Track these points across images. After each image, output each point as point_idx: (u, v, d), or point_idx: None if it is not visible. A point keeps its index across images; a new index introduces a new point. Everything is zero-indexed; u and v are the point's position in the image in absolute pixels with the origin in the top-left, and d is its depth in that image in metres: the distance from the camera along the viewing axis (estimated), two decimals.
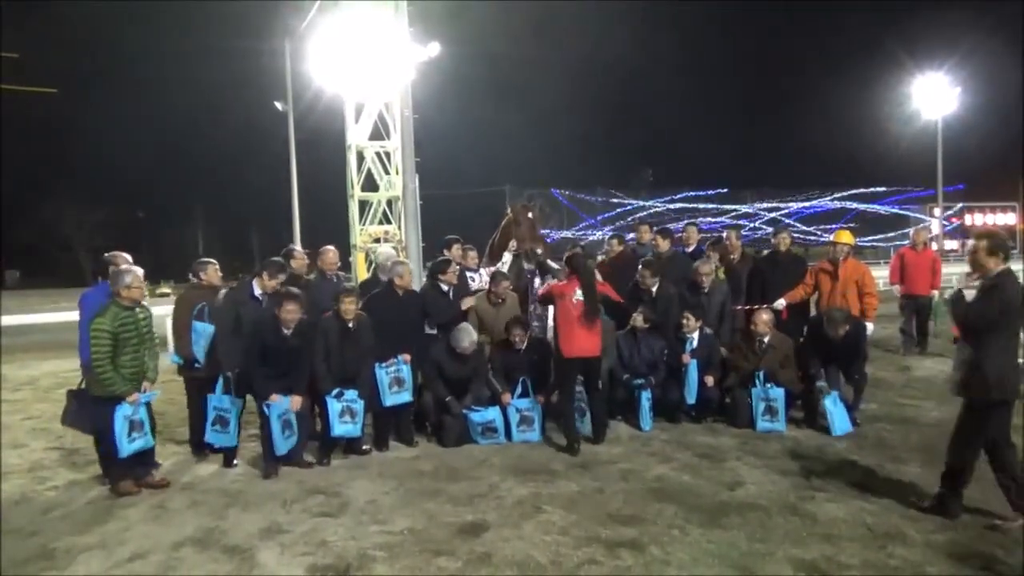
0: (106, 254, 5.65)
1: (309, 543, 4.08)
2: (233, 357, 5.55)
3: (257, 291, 5.78)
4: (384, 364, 5.89)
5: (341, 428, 5.61)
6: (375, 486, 5.02)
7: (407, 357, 5.97)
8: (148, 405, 5.18)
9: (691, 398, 6.34)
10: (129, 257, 5.57)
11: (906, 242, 10.08)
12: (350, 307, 5.74)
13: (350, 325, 5.75)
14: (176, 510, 4.68)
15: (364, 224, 21.26)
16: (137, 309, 5.13)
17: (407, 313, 6.19)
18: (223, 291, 5.96)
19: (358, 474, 5.30)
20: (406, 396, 5.97)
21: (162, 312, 7.65)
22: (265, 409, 5.35)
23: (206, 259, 6.34)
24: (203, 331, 5.70)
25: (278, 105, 24.93)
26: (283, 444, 5.38)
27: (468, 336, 5.98)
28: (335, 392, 5.63)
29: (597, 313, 5.85)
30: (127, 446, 4.95)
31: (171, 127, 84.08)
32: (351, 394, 5.67)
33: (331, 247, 6.92)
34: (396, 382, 5.91)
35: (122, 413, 4.94)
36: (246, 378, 5.53)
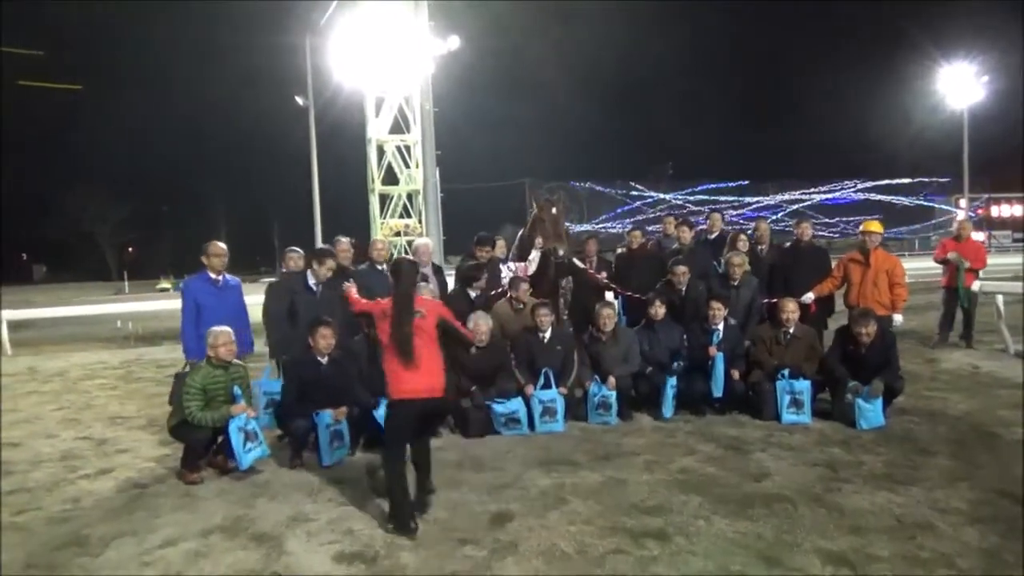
0: (206, 243, 5.91)
1: (336, 531, 4.12)
2: (282, 344, 5.65)
3: (311, 281, 5.95)
4: None
5: None
6: None
7: None
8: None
9: (718, 391, 6.27)
10: (224, 246, 5.87)
11: (931, 234, 9.74)
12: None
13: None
14: (205, 498, 4.74)
15: (385, 217, 21.43)
16: (231, 368, 5.21)
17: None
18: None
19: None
20: None
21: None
22: (314, 417, 5.27)
23: (292, 247, 6.61)
24: None
25: (299, 100, 25.15)
26: (329, 456, 5.28)
27: (485, 321, 6.07)
28: (376, 402, 5.48)
29: (405, 340, 4.07)
30: (245, 457, 5.03)
31: (194, 123, 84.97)
32: None
33: (379, 238, 7.08)
34: None
35: (235, 425, 5.01)
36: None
